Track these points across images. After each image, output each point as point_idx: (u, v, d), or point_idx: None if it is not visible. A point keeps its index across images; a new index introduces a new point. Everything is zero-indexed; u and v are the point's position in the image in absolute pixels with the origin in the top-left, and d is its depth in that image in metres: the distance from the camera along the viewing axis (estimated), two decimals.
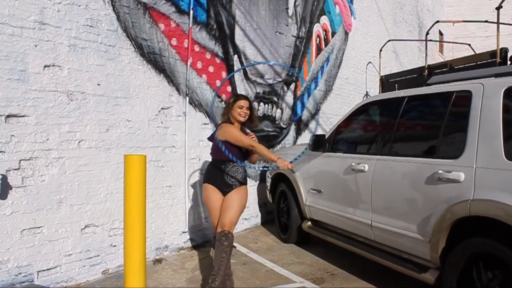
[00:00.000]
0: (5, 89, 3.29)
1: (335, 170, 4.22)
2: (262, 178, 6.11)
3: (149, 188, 4.08)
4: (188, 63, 4.84)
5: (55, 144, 3.61)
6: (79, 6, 3.79)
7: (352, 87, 8.73)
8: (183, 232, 4.85)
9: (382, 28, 10.01)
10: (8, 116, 3.31)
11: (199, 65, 5.00)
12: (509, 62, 6.28)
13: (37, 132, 3.49)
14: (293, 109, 6.83)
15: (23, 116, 3.40)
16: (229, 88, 5.47)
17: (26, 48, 3.42)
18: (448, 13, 15.63)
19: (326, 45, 7.77)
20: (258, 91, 6.00)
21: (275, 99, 6.37)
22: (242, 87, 5.68)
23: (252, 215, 6.01)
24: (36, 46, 3.48)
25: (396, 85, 8.13)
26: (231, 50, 5.48)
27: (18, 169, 3.37)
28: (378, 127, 4.19)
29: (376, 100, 4.27)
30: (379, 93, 8.69)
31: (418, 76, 7.90)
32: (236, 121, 3.64)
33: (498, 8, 6.61)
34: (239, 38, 5.63)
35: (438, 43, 14.31)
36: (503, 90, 2.86)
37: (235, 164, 3.57)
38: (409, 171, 3.34)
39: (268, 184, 5.61)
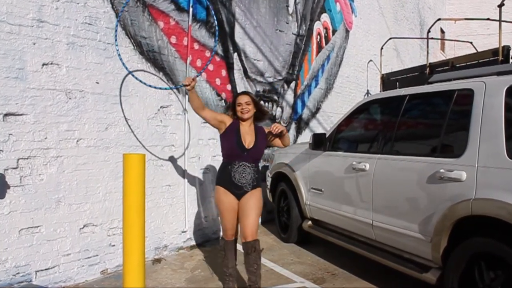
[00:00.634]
0: (3, 88, 3.28)
1: (336, 169, 4.19)
2: (262, 177, 6.08)
3: (148, 187, 4.05)
4: (188, 61, 4.82)
5: (54, 143, 3.60)
6: (78, 3, 3.77)
7: (353, 85, 8.71)
8: (183, 232, 4.83)
9: (383, 26, 9.97)
10: (6, 115, 3.30)
11: (198, 63, 4.98)
12: (511, 60, 6.24)
13: (35, 131, 3.48)
14: (294, 107, 6.81)
15: (21, 114, 3.39)
16: (228, 87, 5.44)
17: (24, 46, 3.41)
18: (450, 10, 15.58)
19: (326, 43, 7.74)
20: (258, 89, 5.97)
21: (275, 97, 6.35)
22: (242, 85, 5.65)
23: None
24: (34, 44, 3.47)
25: (397, 83, 8.12)
26: (231, 48, 5.46)
27: (16, 168, 3.36)
28: (379, 125, 4.16)
29: (377, 99, 4.25)
30: (380, 91, 8.67)
31: (420, 74, 7.89)
32: (243, 120, 3.43)
33: (500, 5, 6.58)
34: (239, 36, 5.61)
35: (439, 41, 14.28)
36: (505, 89, 2.84)
37: (241, 164, 3.34)
38: (410, 170, 3.32)
39: (268, 183, 5.59)
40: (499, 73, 3.13)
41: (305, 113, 7.17)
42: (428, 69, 7.69)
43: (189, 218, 4.89)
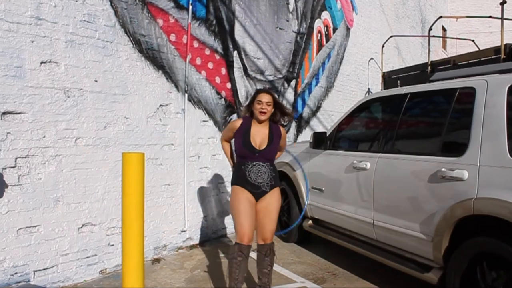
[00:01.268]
0: (1, 86, 3.26)
1: (337, 168, 4.18)
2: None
3: (147, 187, 4.07)
4: (187, 59, 4.79)
5: (52, 141, 3.58)
6: (76, 1, 3.76)
7: (353, 83, 8.68)
8: (182, 231, 4.81)
9: (384, 23, 9.94)
10: (4, 113, 3.28)
11: (198, 61, 4.96)
12: None
13: (33, 130, 3.46)
14: (294, 106, 6.79)
15: (19, 113, 3.37)
16: (228, 85, 5.42)
17: (22, 44, 3.39)
18: (452, 8, 15.52)
19: (327, 41, 7.71)
20: (258, 87, 5.94)
21: (276, 96, 6.30)
22: (242, 84, 5.63)
23: None
24: (32, 42, 3.45)
25: (399, 81, 8.10)
26: (230, 46, 5.43)
27: (14, 167, 3.34)
28: (380, 124, 4.15)
29: (378, 97, 4.23)
30: (381, 90, 8.64)
31: (421, 72, 7.87)
32: (259, 121, 3.25)
33: (502, 3, 6.55)
34: (239, 34, 5.58)
35: (441, 39, 14.24)
36: (507, 87, 2.82)
37: (255, 163, 3.17)
38: (411, 169, 3.30)
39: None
40: (501, 72, 3.13)
41: (306, 112, 7.14)
42: (429, 67, 7.67)
43: (188, 217, 4.87)
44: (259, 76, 5.96)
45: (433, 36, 9.59)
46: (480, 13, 12.40)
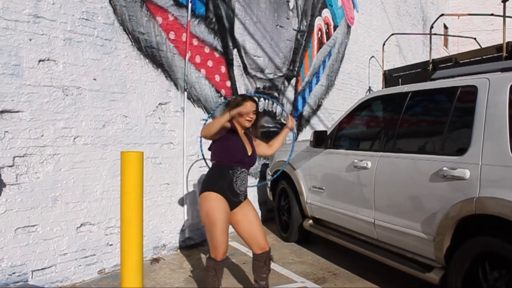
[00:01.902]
0: None
1: (337, 167, 4.16)
2: (262, 175, 6.05)
3: (146, 186, 4.05)
4: (187, 57, 4.77)
5: (50, 140, 3.56)
6: None
7: (354, 82, 8.65)
8: (181, 231, 4.79)
9: (385, 21, 9.91)
10: (1, 112, 3.26)
11: (197, 59, 4.93)
12: None
13: (31, 128, 3.44)
14: (294, 104, 6.76)
15: (17, 111, 3.36)
16: (228, 83, 5.39)
17: (20, 42, 3.37)
18: (453, 6, 15.48)
19: (328, 39, 7.68)
20: (258, 86, 5.92)
21: (276, 94, 6.29)
22: (241, 82, 5.61)
23: None
24: (30, 40, 3.43)
25: (400, 80, 8.08)
26: (230, 44, 5.41)
27: (12, 166, 3.33)
28: (381, 123, 4.13)
29: (379, 96, 4.21)
30: (382, 88, 8.62)
31: (422, 70, 7.85)
32: (240, 125, 3.17)
33: (504, 1, 6.51)
34: (239, 32, 5.55)
35: (442, 37, 14.21)
36: (509, 85, 2.80)
37: (243, 170, 3.08)
38: (413, 168, 3.28)
39: (269, 181, 5.55)
40: (503, 70, 3.11)
41: (306, 110, 7.11)
42: (431, 65, 7.65)
43: (188, 217, 4.86)
44: (259, 74, 5.94)
45: (435, 34, 9.55)
46: (482, 11, 12.37)
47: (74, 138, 3.73)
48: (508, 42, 6.30)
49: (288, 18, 6.56)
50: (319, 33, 7.40)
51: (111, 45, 4.02)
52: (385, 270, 3.77)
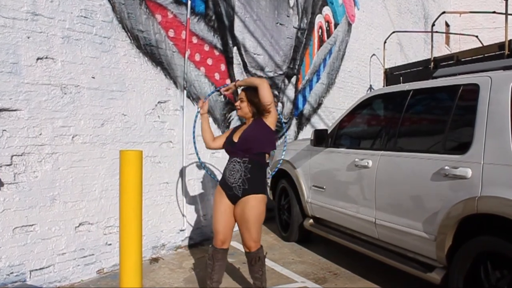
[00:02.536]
0: None
1: (338, 166, 4.14)
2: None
3: (145, 185, 4.04)
4: (186, 56, 4.75)
5: (48, 139, 3.55)
6: None
7: (355, 80, 8.63)
8: (181, 230, 4.77)
9: (387, 19, 9.87)
10: None
11: (197, 57, 4.91)
12: None
13: (29, 127, 3.43)
14: (295, 103, 6.74)
15: (15, 110, 3.34)
16: (228, 82, 5.37)
17: (18, 40, 3.36)
18: (455, 3, 15.42)
19: (328, 36, 7.65)
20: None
21: (276, 92, 6.28)
22: None
23: None
24: (28, 37, 3.42)
25: (401, 78, 8.07)
26: (230, 42, 5.39)
27: (10, 165, 3.31)
28: (383, 121, 4.11)
29: (380, 94, 4.18)
30: (384, 86, 8.60)
31: (424, 69, 7.85)
32: (247, 119, 3.19)
33: None
34: (239, 30, 5.53)
35: (444, 34, 14.16)
36: (511, 84, 2.78)
37: (232, 159, 3.01)
38: (414, 167, 3.26)
39: (269, 180, 5.53)
40: (505, 68, 3.09)
41: (307, 109, 7.09)
42: (432, 63, 7.65)
43: (187, 216, 4.84)
44: (259, 73, 5.92)
45: (436, 31, 9.51)
46: (484, 8, 12.32)
47: (73, 137, 3.71)
48: (510, 40, 6.29)
49: (288, 16, 6.53)
50: (320, 31, 7.37)
51: (109, 43, 4.00)
52: (386, 270, 3.75)
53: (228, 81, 5.38)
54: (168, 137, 4.59)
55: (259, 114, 3.08)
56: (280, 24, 6.35)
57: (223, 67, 5.28)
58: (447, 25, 14.88)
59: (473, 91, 3.00)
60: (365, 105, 4.27)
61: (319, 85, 7.43)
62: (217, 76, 5.19)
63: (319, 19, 7.31)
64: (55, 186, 3.57)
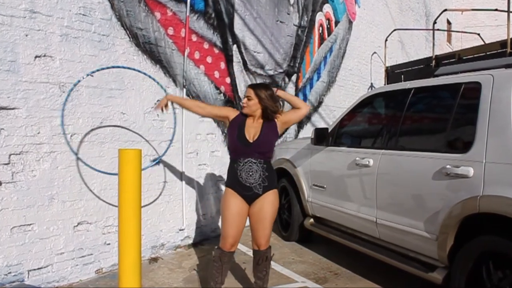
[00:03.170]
0: None
1: (339, 165, 4.12)
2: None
3: (144, 184, 3.98)
4: (185, 54, 4.72)
5: (47, 138, 3.53)
6: None
7: (356, 78, 8.60)
8: (180, 230, 4.75)
9: (388, 16, 9.85)
10: None
11: (196, 55, 4.88)
12: None
13: (27, 126, 3.41)
14: None
15: (13, 108, 3.32)
16: (227, 80, 5.35)
17: (16, 38, 3.33)
18: (457, 1, 15.40)
19: (329, 34, 7.63)
20: (258, 82, 5.87)
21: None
22: (241, 78, 5.56)
23: None
24: (26, 35, 3.40)
25: (402, 76, 8.06)
26: (230, 39, 5.36)
27: (8, 164, 3.29)
28: (384, 120, 4.11)
29: (381, 92, 4.18)
30: (385, 84, 8.58)
31: (425, 67, 7.84)
32: (252, 116, 3.10)
33: None
34: (238, 27, 5.51)
35: (446, 32, 14.14)
36: None
37: (247, 160, 2.98)
38: (415, 166, 3.25)
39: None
40: (507, 66, 3.08)
41: None
42: (434, 61, 7.63)
43: (187, 215, 4.81)
44: (259, 71, 5.89)
45: (438, 29, 9.49)
46: (486, 6, 12.29)
47: (71, 136, 3.69)
48: None
49: (288, 14, 6.50)
50: (320, 28, 7.35)
51: (108, 41, 3.97)
52: (387, 269, 3.73)
53: (227, 80, 5.35)
54: (167, 136, 4.55)
55: (266, 114, 3.08)
56: (281, 21, 6.32)
57: (222, 65, 5.26)
58: (448, 23, 14.86)
59: (475, 89, 2.99)
60: (366, 103, 4.25)
61: (319, 83, 7.40)
62: (216, 74, 5.16)
63: (319, 17, 7.28)
64: (53, 185, 3.55)
